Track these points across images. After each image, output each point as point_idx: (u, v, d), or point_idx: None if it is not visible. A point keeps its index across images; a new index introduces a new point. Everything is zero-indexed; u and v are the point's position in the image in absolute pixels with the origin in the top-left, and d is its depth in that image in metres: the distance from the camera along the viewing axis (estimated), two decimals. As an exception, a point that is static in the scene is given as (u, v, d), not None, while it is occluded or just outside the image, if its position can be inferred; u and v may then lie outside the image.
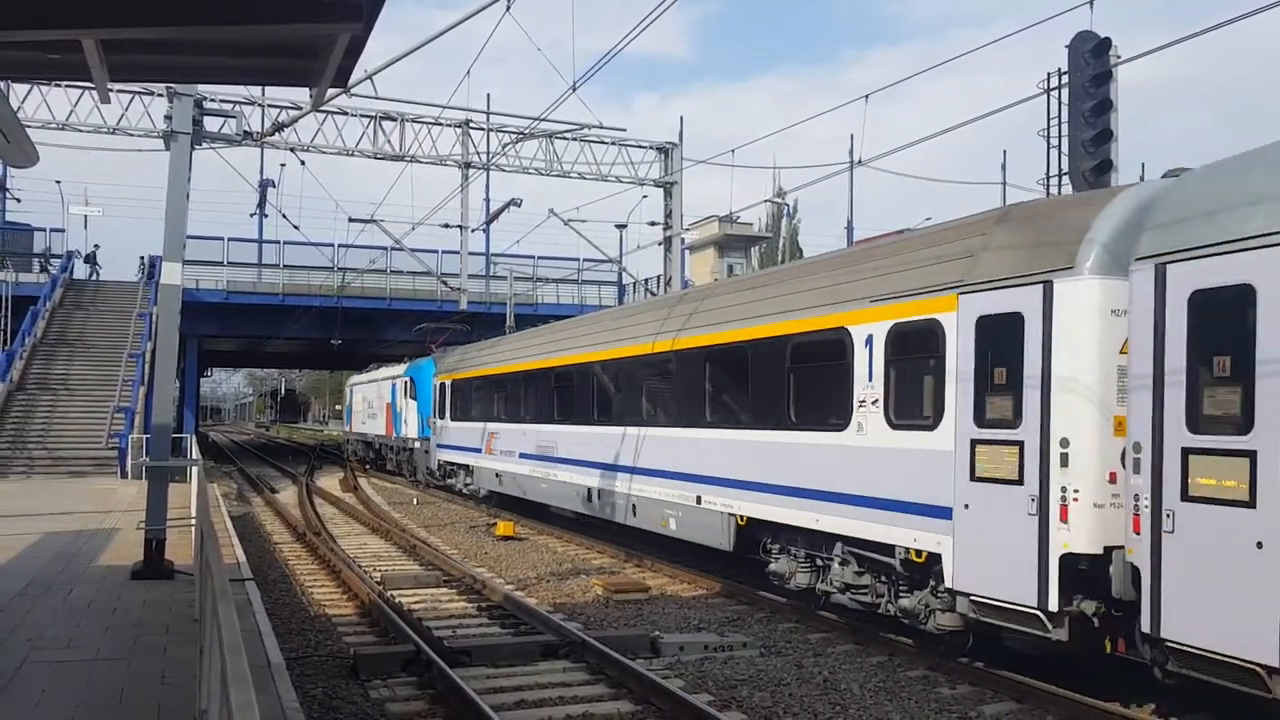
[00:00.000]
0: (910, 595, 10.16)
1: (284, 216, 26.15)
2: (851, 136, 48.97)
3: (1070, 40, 15.05)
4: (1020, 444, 8.58)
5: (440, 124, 27.55)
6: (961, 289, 9.33)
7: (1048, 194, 21.64)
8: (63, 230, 44.50)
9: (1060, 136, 21.31)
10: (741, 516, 12.99)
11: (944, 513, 9.36)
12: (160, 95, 22.78)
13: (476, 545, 18.74)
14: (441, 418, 28.43)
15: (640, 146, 29.12)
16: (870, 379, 10.56)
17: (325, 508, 25.71)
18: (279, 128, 19.37)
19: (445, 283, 35.08)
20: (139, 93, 24.43)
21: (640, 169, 28.92)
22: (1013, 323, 8.75)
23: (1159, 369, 7.30)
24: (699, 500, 13.94)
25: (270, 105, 24.50)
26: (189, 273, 36.34)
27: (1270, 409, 6.51)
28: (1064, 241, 8.50)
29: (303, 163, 25.04)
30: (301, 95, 22.34)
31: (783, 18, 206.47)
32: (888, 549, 10.23)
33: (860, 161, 17.69)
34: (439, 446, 28.68)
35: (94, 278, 42.42)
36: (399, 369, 36.67)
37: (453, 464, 27.55)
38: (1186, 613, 7.01)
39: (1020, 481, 8.56)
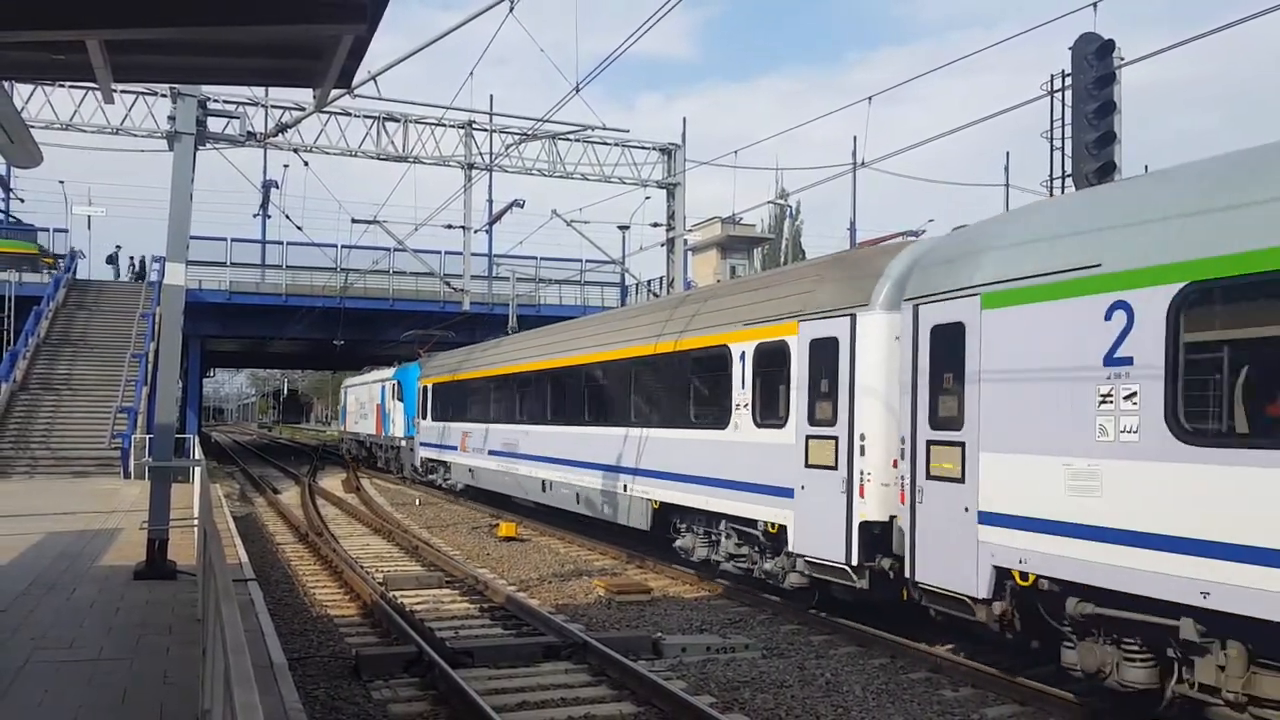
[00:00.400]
0: (771, 560, 12.64)
1: (287, 217, 26.22)
2: (854, 138, 48.98)
3: (1073, 42, 15.03)
4: (836, 439, 11.17)
5: (443, 125, 27.59)
6: (801, 317, 11.94)
7: (1050, 195, 21.62)
8: (66, 230, 44.58)
9: (1064, 139, 21.29)
10: (657, 501, 15.45)
11: (788, 493, 11.95)
12: (164, 96, 22.82)
13: (479, 546, 18.75)
14: (424, 418, 30.58)
15: (643, 147, 29.14)
16: (743, 387, 13.14)
17: (327, 508, 25.72)
18: (282, 128, 19.40)
19: (448, 283, 35.15)
20: (142, 93, 24.48)
21: (643, 170, 28.94)
22: (831, 344, 11.33)
23: (914, 381, 9.76)
24: (626, 489, 16.34)
25: (274, 106, 24.54)
26: (192, 273, 36.41)
27: (972, 413, 9.00)
28: (865, 284, 11.11)
29: (306, 163, 25.09)
30: (305, 96, 22.38)
31: (787, 19, 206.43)
32: (754, 523, 12.79)
33: (863, 163, 17.70)
34: (421, 445, 30.88)
35: (117, 278, 42.52)
36: (389, 372, 38.50)
37: (433, 460, 29.61)
38: (929, 561, 9.49)
39: (836, 468, 11.13)
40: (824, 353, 11.48)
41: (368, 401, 42.10)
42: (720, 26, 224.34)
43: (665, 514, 15.39)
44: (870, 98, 14.59)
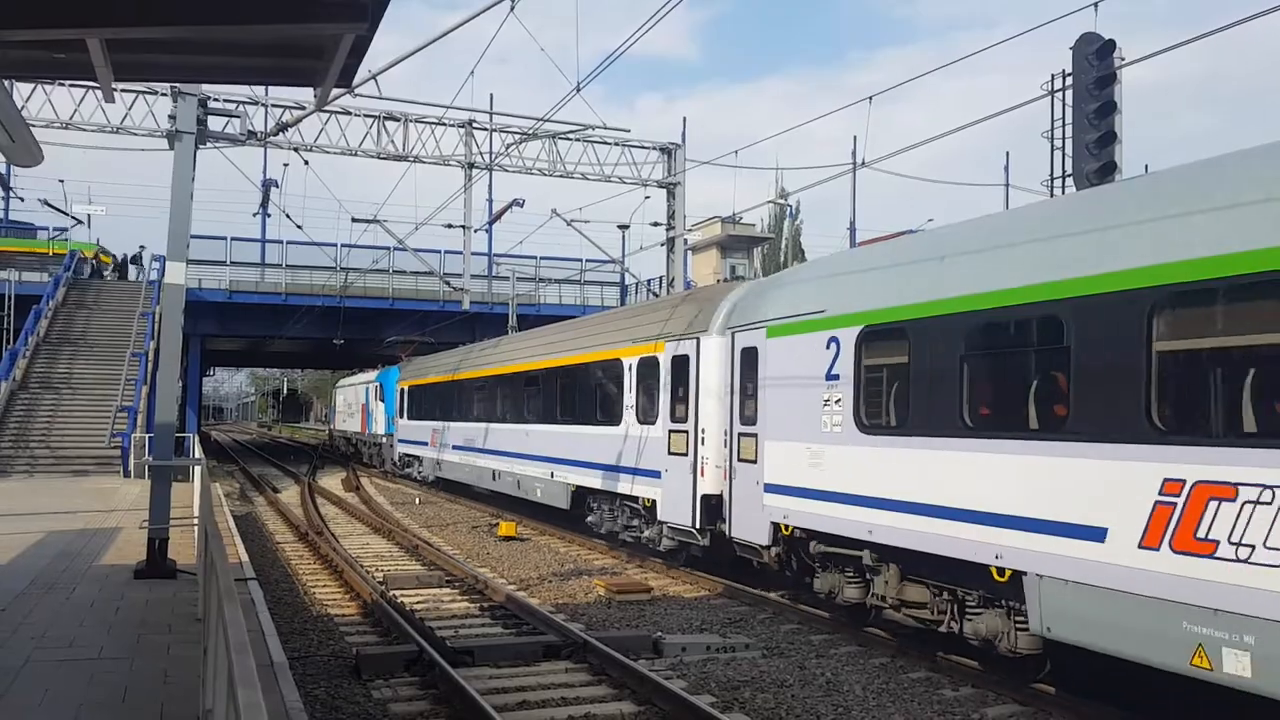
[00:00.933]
0: (649, 529, 15.89)
1: (287, 216, 26.20)
2: (855, 138, 48.97)
3: (1074, 42, 15.03)
4: (688, 432, 14.48)
5: (444, 124, 27.54)
6: (667, 338, 15.41)
7: (1051, 195, 21.61)
8: (65, 229, 44.59)
9: (1064, 138, 21.27)
10: (574, 485, 18.81)
11: (658, 475, 15.33)
12: (164, 95, 22.79)
13: (478, 545, 18.75)
14: (401, 417, 34.03)
15: (643, 147, 29.09)
16: (631, 392, 16.54)
17: (327, 507, 25.72)
18: (283, 128, 19.38)
19: (448, 283, 35.10)
20: (143, 92, 24.43)
21: (643, 170, 28.89)
22: (685, 360, 14.70)
23: (730, 389, 13.14)
24: (552, 475, 19.74)
25: (274, 105, 24.49)
26: (192, 272, 36.37)
27: (762, 413, 12.29)
28: (707, 315, 14.37)
29: (306, 162, 24.99)
30: (305, 95, 22.34)
31: (790, 19, 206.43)
32: (637, 500, 16.08)
33: (864, 163, 17.67)
34: (399, 441, 34.21)
35: (140, 278, 42.53)
36: (372, 375, 41.76)
37: (409, 455, 32.91)
38: (739, 522, 12.88)
39: (687, 454, 14.41)
40: (680, 366, 14.88)
41: (354, 402, 45.22)
42: (722, 27, 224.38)
43: (581, 495, 18.79)
44: (871, 98, 14.58)
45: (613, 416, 17.08)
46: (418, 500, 27.86)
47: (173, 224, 12.80)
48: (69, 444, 26.94)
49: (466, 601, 13.28)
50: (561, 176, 28.48)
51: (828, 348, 10.97)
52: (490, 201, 46.14)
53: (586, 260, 41.04)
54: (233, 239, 41.60)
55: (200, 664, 7.03)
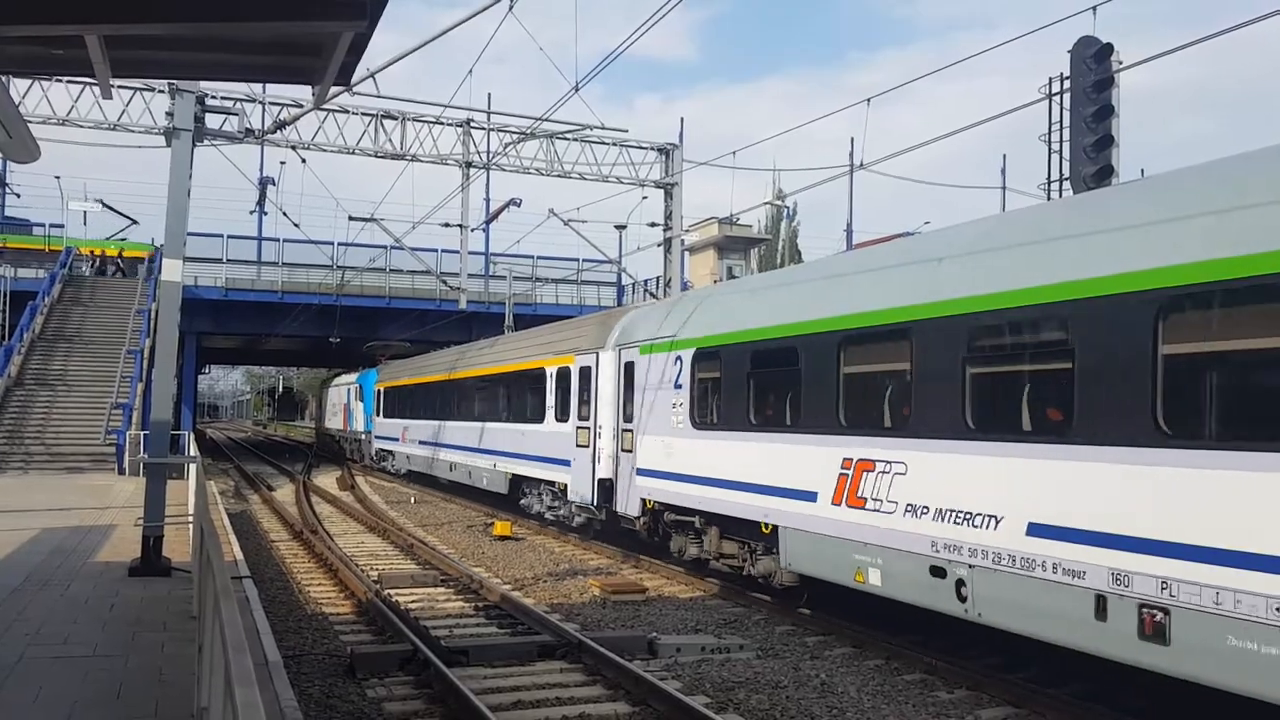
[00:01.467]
0: (565, 508, 19.46)
1: (284, 214, 26.14)
2: (852, 139, 48.98)
3: (1072, 45, 15.06)
4: (589, 428, 17.66)
5: (441, 123, 27.51)
6: (577, 352, 18.76)
7: (1049, 198, 21.64)
8: (62, 226, 44.49)
9: (1062, 142, 21.31)
10: (510, 473, 22.51)
11: (568, 463, 18.72)
12: (162, 92, 22.74)
13: (474, 545, 18.73)
14: (378, 416, 37.33)
15: (641, 147, 29.08)
16: (551, 395, 19.95)
17: (322, 506, 25.70)
18: (280, 125, 19.36)
19: (444, 282, 35.07)
20: (140, 89, 24.38)
21: (641, 170, 28.88)
22: (589, 370, 17.96)
23: (618, 394, 16.67)
24: (495, 466, 23.61)
25: (271, 103, 24.46)
26: (188, 269, 36.32)
27: (637, 413, 15.70)
28: (605, 334, 17.77)
29: (303, 160, 24.96)
30: (303, 93, 22.31)
31: (789, 20, 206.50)
32: (554, 484, 19.75)
33: (861, 164, 17.67)
34: (376, 437, 37.69)
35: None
36: (353, 377, 44.68)
37: (384, 450, 36.40)
38: (622, 500, 16.27)
39: (589, 446, 17.63)
40: (585, 375, 18.17)
41: (338, 401, 48.54)
42: (721, 27, 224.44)
43: (517, 482, 22.34)
44: (869, 99, 14.60)
45: (539, 416, 20.65)
46: (413, 499, 27.84)
47: (170, 221, 12.78)
48: (64, 441, 26.89)
49: (461, 601, 13.27)
50: (559, 176, 28.47)
51: (675, 363, 14.61)
52: (488, 201, 46.15)
53: (583, 260, 41.04)
54: (229, 236, 41.55)
55: (195, 662, 7.02)
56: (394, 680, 9.18)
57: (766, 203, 49.59)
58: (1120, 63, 15.12)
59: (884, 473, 10.12)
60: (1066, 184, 20.58)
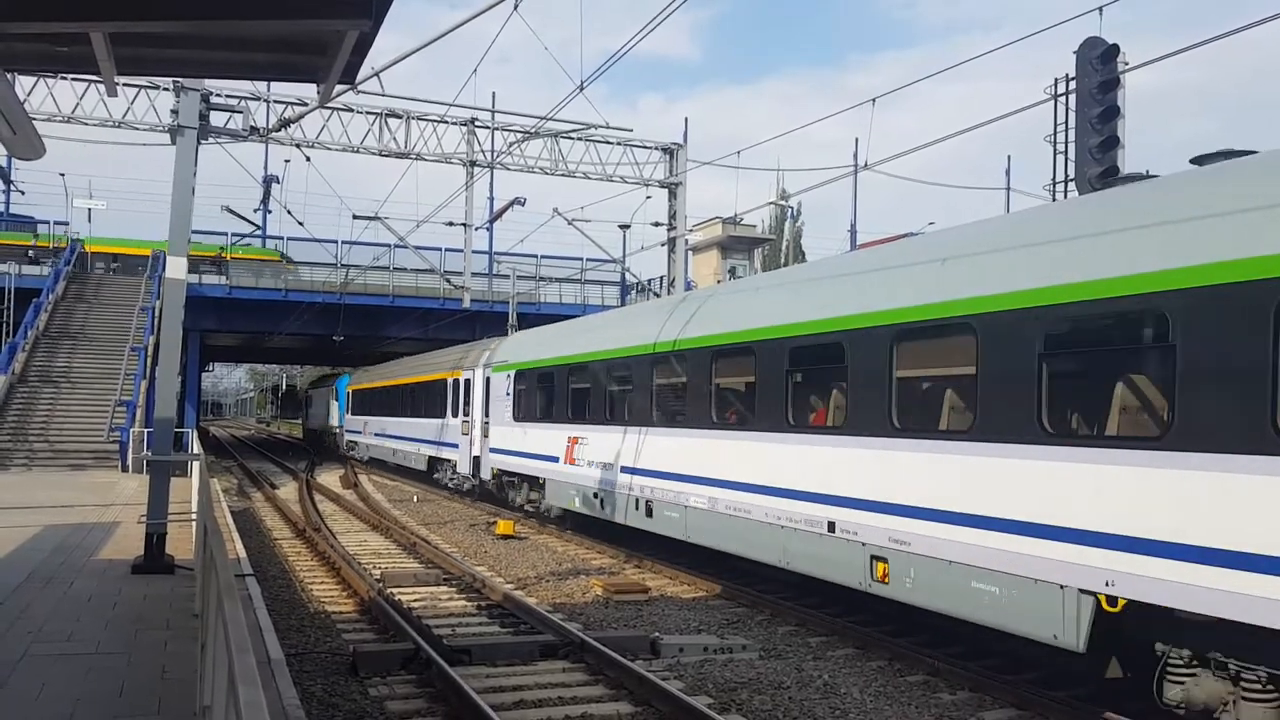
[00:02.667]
0: (454, 479, 27.37)
1: (288, 212, 26.22)
2: (856, 140, 49.01)
3: (1078, 46, 15.02)
4: (469, 421, 25.41)
5: (446, 122, 27.54)
6: (462, 369, 26.80)
7: (1054, 199, 21.61)
8: (66, 223, 44.55)
9: (1067, 143, 21.26)
10: (427, 456, 30.51)
11: (456, 446, 26.82)
12: (166, 89, 22.78)
13: (476, 544, 18.74)
14: (349, 413, 44.91)
15: (645, 147, 29.09)
16: (449, 398, 27.52)
17: (325, 504, 25.71)
18: (285, 124, 19.38)
19: (448, 280, 35.10)
20: (145, 86, 24.43)
21: (645, 169, 28.89)
22: (470, 382, 25.69)
23: (485, 399, 24.43)
24: (419, 450, 31.42)
25: (276, 101, 24.50)
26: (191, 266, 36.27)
27: (492, 409, 23.74)
28: (481, 356, 25.42)
29: (308, 159, 25.02)
30: (307, 91, 22.32)
31: (791, 21, 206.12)
32: (451, 462, 27.38)
33: (865, 165, 17.67)
34: (346, 431, 45.50)
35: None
36: (332, 381, 53.95)
37: (352, 440, 43.99)
38: (484, 470, 24.43)
39: (469, 435, 25.45)
40: (468, 385, 26.00)
41: (320, 401, 57.77)
42: (724, 28, 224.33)
43: (432, 463, 30.24)
44: (873, 100, 14.60)
45: (443, 413, 28.39)
46: (415, 498, 27.87)
47: (174, 218, 12.79)
48: (68, 438, 26.93)
49: (464, 600, 13.27)
50: (563, 176, 28.49)
51: (508, 379, 22.61)
52: (491, 200, 46.14)
53: (587, 260, 41.05)
54: (234, 234, 41.56)
55: (198, 660, 7.02)
56: (396, 679, 9.18)
57: (770, 203, 49.60)
58: (1126, 64, 15.09)
59: (585, 444, 17.99)
60: (1072, 185, 20.54)
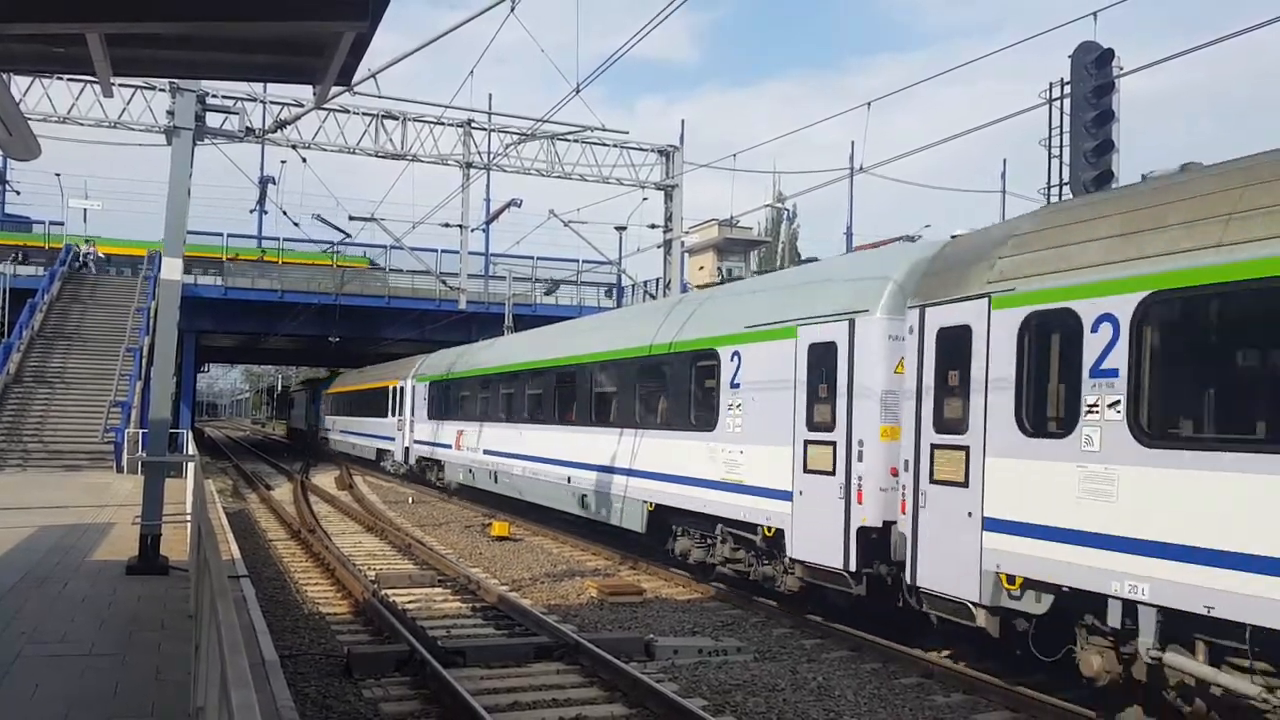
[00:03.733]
0: (393, 465, 34.45)
1: (284, 213, 26.19)
2: (853, 143, 49.04)
3: (1073, 51, 15.05)
4: (402, 420, 33.10)
5: (442, 124, 27.55)
6: (400, 379, 34.26)
7: (1048, 202, 21.64)
8: (62, 223, 44.47)
9: (1062, 146, 21.29)
10: (375, 448, 36.78)
11: (393, 439, 34.23)
12: (162, 90, 22.75)
13: (471, 545, 18.73)
14: (326, 414, 50.39)
15: (641, 149, 29.12)
16: (392, 402, 34.28)
17: (320, 505, 25.68)
18: (281, 125, 19.38)
19: (444, 282, 35.10)
20: (141, 87, 24.41)
21: (641, 171, 28.92)
22: (403, 390, 33.59)
23: (412, 403, 31.79)
24: (370, 444, 37.24)
25: (272, 102, 24.50)
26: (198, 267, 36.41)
27: (417, 411, 31.12)
28: (409, 370, 33.47)
29: (304, 160, 25.03)
30: (304, 92, 22.30)
31: (790, 23, 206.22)
32: (392, 453, 34.53)
33: (861, 168, 17.70)
34: (323, 429, 50.85)
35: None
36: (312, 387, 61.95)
37: (324, 436, 49.68)
38: (411, 458, 31.17)
39: (402, 430, 32.97)
40: (401, 392, 32.74)
41: (300, 403, 65.33)
42: (723, 30, 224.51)
43: (379, 455, 36.06)
44: (869, 103, 14.64)
45: (385, 414, 34.72)
46: (410, 499, 27.84)
47: (170, 219, 12.78)
48: (62, 439, 26.86)
49: (459, 601, 13.26)
50: (560, 177, 28.51)
51: (425, 386, 29.66)
52: (488, 201, 46.10)
53: (583, 261, 41.03)
54: (229, 235, 41.51)
55: (192, 661, 7.02)
56: (391, 681, 9.18)
57: (767, 205, 49.62)
58: (1121, 68, 15.11)
59: (472, 434, 24.33)
60: (1067, 189, 20.58)
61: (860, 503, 10.57)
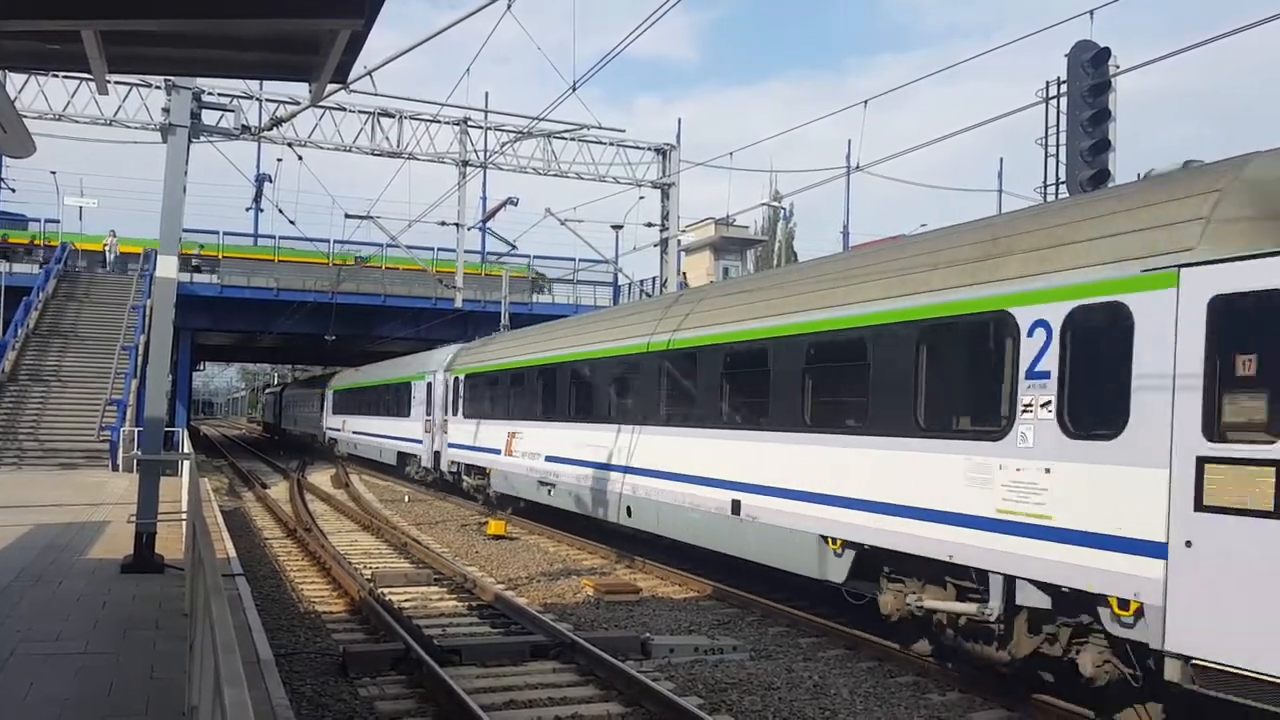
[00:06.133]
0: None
1: (280, 211, 26.16)
2: (849, 142, 49.06)
3: (1070, 49, 15.08)
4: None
5: (439, 121, 27.55)
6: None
7: (1044, 200, 21.66)
8: (57, 221, 44.35)
9: (1058, 145, 21.33)
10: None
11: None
12: (158, 88, 22.71)
13: (467, 544, 18.71)
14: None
15: (638, 148, 29.13)
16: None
17: (316, 504, 25.66)
18: (277, 122, 19.35)
19: (440, 280, 35.09)
20: (137, 85, 24.39)
21: (638, 170, 28.92)
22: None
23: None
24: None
25: (268, 100, 24.49)
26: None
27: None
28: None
29: (300, 158, 24.97)
30: (299, 90, 22.28)
31: (789, 23, 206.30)
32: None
33: (858, 166, 17.68)
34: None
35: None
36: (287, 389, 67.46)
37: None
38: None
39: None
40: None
41: (271, 402, 72.61)
42: (722, 30, 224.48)
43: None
44: (866, 102, 14.62)
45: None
46: (406, 498, 27.82)
47: (165, 217, 12.76)
48: (58, 437, 26.81)
49: (455, 600, 13.25)
50: (556, 176, 28.51)
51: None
52: (484, 199, 46.09)
53: (580, 260, 41.00)
54: (225, 233, 41.41)
55: (186, 659, 7.00)
56: (386, 679, 9.17)
57: (763, 204, 49.64)
58: (1118, 67, 15.14)
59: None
60: (1064, 188, 20.61)
61: None
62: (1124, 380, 7.40)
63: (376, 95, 22.27)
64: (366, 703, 8.48)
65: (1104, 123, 14.83)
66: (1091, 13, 11.28)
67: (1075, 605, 8.00)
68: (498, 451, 22.04)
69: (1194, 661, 6.79)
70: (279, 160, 53.19)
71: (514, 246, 31.35)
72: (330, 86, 7.46)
